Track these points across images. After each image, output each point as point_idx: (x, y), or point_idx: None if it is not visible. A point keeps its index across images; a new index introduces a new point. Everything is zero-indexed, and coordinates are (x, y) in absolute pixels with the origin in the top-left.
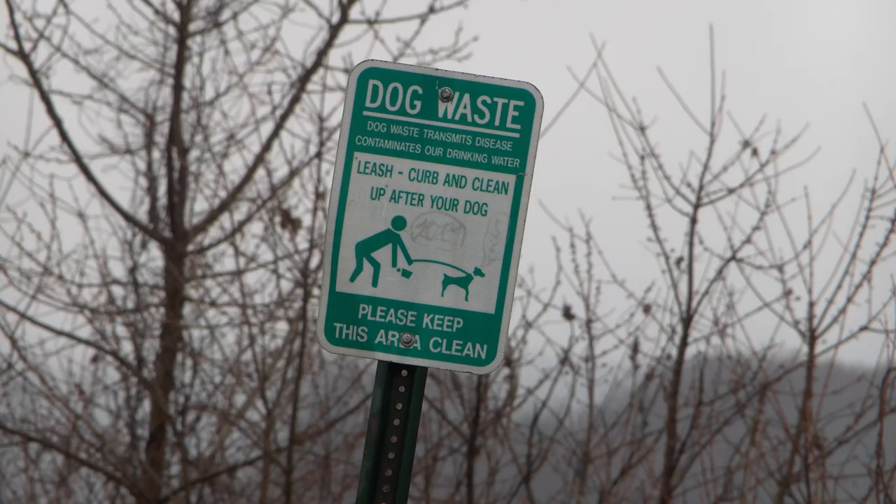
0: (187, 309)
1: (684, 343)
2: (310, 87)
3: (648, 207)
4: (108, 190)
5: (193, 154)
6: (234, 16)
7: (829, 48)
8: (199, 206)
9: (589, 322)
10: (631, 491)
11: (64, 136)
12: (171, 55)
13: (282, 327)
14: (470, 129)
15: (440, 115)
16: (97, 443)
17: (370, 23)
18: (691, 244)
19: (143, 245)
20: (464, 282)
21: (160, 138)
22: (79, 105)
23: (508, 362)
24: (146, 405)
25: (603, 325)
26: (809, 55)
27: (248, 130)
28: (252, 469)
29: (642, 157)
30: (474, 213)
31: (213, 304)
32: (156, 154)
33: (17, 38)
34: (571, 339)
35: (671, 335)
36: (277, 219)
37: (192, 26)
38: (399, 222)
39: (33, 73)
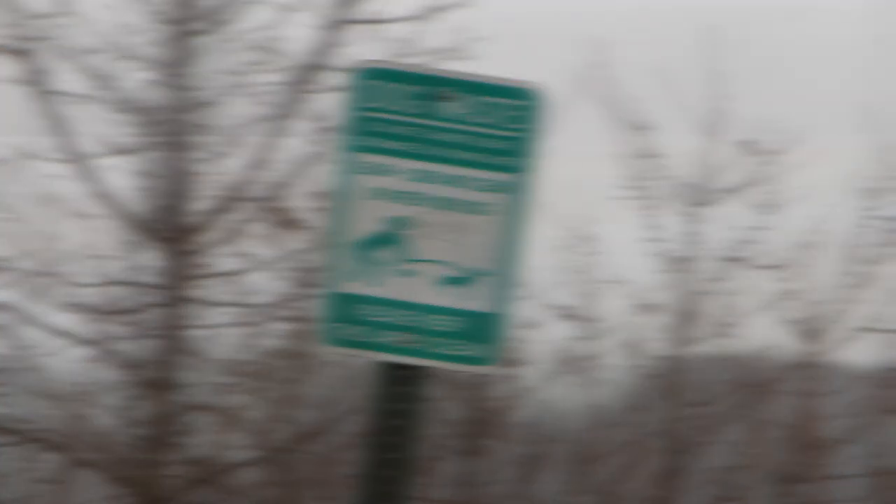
0: (188, 309)
1: (684, 343)
2: (310, 87)
3: (648, 207)
4: (108, 190)
5: (194, 154)
6: (235, 16)
7: (830, 47)
8: (199, 206)
9: (589, 322)
10: (631, 491)
11: (64, 135)
12: (172, 55)
13: (282, 327)
14: (470, 128)
15: (440, 115)
16: (97, 443)
17: (370, 23)
18: (691, 244)
19: (144, 245)
20: (464, 282)
21: (160, 138)
22: (79, 105)
23: (509, 362)
24: (146, 405)
25: (603, 325)
26: (810, 54)
27: (248, 130)
28: (252, 469)
29: (642, 157)
30: (474, 213)
31: (213, 304)
32: (156, 154)
33: (17, 37)
34: (571, 340)
35: (671, 335)
36: (277, 219)
37: (193, 26)
38: (399, 222)
39: (33, 72)
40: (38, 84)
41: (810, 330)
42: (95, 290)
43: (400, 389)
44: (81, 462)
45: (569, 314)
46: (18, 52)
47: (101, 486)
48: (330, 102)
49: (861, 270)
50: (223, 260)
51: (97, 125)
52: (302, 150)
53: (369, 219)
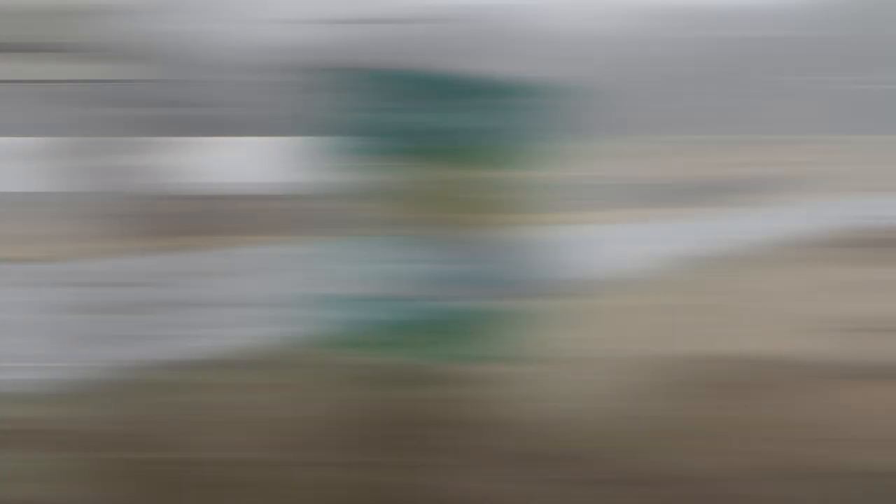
0: (187, 308)
1: (686, 343)
2: (308, 86)
3: (650, 207)
4: (104, 189)
5: (193, 154)
6: (233, 14)
7: (831, 47)
8: (196, 205)
9: (587, 320)
10: (631, 490)
11: (62, 134)
12: (170, 53)
13: (281, 327)
14: (470, 128)
15: (440, 114)
16: (99, 443)
17: (370, 23)
18: (695, 244)
19: (141, 245)
20: (462, 281)
21: (159, 138)
22: (77, 104)
23: (507, 360)
24: (147, 405)
25: (603, 322)
26: (810, 53)
27: (250, 130)
28: (253, 469)
29: (644, 157)
30: (474, 212)
31: (212, 303)
32: (154, 153)
33: (17, 37)
34: (568, 336)
35: (674, 334)
36: (275, 218)
37: (193, 25)
38: (400, 222)
39: (33, 72)
40: (38, 84)
41: (810, 330)
42: (94, 290)
43: (396, 389)
44: (85, 462)
45: (566, 312)
46: (18, 52)
47: (102, 486)
48: (328, 102)
49: (859, 270)
50: (221, 259)
51: (95, 124)
52: (300, 149)
53: (368, 218)
